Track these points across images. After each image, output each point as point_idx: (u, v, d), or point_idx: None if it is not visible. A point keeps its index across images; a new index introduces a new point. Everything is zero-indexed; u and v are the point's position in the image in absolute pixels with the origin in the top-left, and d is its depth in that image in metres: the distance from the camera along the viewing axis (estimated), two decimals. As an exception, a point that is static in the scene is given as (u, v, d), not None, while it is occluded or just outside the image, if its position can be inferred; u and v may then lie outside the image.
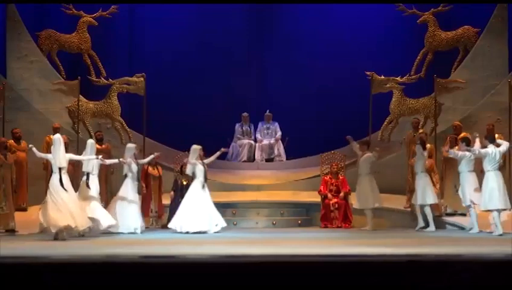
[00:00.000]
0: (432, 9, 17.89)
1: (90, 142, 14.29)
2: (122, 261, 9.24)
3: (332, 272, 7.66)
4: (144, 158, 15.33)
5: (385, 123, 17.77)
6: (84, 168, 13.92)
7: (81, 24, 18.02)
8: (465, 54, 17.82)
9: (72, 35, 18.11)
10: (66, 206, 13.19)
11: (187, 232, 14.17)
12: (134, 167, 14.67)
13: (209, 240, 13.67)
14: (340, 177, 16.29)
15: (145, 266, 8.17)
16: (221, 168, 17.67)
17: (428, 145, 16.02)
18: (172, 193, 15.86)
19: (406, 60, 18.16)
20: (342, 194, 16.01)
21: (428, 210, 15.02)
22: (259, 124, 18.97)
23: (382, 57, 18.57)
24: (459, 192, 14.71)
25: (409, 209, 15.93)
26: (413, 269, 7.70)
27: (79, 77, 17.26)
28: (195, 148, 14.84)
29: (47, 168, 16.26)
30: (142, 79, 17.41)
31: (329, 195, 16.01)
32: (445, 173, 16.02)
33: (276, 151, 18.19)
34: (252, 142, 18.83)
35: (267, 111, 18.91)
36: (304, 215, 16.27)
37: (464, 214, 15.68)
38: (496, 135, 14.88)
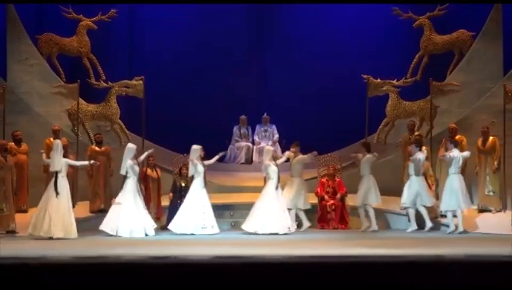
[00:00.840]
0: (428, 13, 17.93)
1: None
2: (121, 261, 9.28)
3: (329, 273, 7.70)
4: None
5: (381, 125, 17.81)
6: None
7: (81, 28, 18.05)
8: (461, 57, 17.85)
9: (71, 39, 18.13)
10: (48, 213, 13.84)
11: (191, 234, 14.38)
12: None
13: (207, 241, 13.72)
14: (337, 179, 16.34)
15: (144, 266, 8.20)
16: (219, 170, 17.70)
17: (423, 148, 16.09)
18: (171, 194, 15.91)
19: (402, 63, 18.19)
20: (338, 195, 16.05)
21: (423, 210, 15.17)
22: (257, 127, 19.00)
23: (379, 60, 18.61)
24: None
25: (404, 211, 15.97)
26: (410, 270, 7.74)
27: (79, 80, 17.29)
28: (196, 148, 14.93)
29: (47, 170, 16.32)
30: (141, 82, 17.44)
31: (326, 197, 16.06)
32: (441, 175, 16.05)
33: (279, 154, 18.21)
34: (250, 144, 18.87)
35: (265, 114, 18.94)
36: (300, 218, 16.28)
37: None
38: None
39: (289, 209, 15.07)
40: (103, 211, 15.71)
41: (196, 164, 14.79)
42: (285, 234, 14.43)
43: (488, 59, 17.46)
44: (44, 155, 14.16)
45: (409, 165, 15.48)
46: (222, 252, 11.68)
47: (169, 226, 14.72)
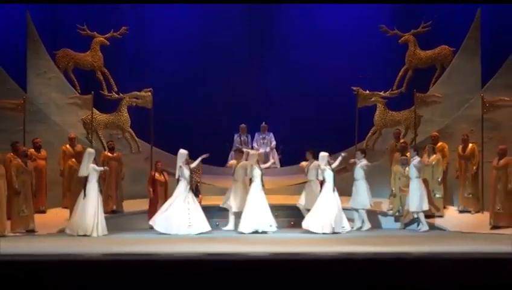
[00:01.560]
0: (412, 30, 17.94)
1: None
2: (127, 259, 9.31)
3: (321, 269, 7.71)
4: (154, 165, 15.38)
5: (370, 133, 17.83)
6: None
7: (95, 44, 18.06)
8: (442, 71, 17.87)
9: (86, 54, 18.13)
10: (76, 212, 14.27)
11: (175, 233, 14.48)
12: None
13: (208, 239, 13.72)
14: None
15: (149, 263, 8.21)
16: (221, 174, 17.68)
17: (408, 154, 16.13)
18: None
19: (388, 76, 18.23)
20: (330, 197, 16.03)
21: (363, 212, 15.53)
22: (256, 135, 19.00)
23: (367, 73, 18.63)
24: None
25: (391, 211, 16.01)
26: (398, 266, 7.75)
27: (92, 92, 17.31)
28: (183, 153, 15.05)
29: (63, 174, 16.36)
30: (149, 93, 17.47)
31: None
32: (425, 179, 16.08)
33: (271, 159, 18.22)
34: (249, 151, 18.85)
35: (263, 123, 18.95)
36: (296, 217, 16.29)
37: (441, 216, 15.77)
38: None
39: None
40: (115, 212, 15.75)
41: (183, 169, 14.86)
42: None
43: (467, 73, 17.49)
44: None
45: (407, 169, 15.56)
46: (222, 249, 11.69)
47: (155, 226, 14.71)
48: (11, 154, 14.88)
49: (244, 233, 14.58)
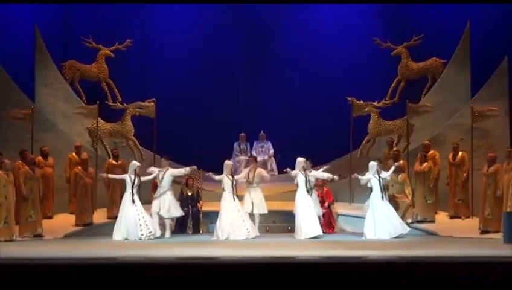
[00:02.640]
0: (405, 43, 17.98)
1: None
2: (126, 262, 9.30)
3: (317, 271, 7.71)
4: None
5: (364, 142, 17.85)
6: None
7: (100, 56, 18.08)
8: (433, 81, 17.90)
9: (91, 66, 18.16)
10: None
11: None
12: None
13: (208, 243, 13.72)
14: (325, 189, 16.29)
15: (150, 266, 8.21)
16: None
17: (401, 161, 16.14)
18: (178, 202, 15.91)
19: (382, 87, 18.25)
20: (326, 203, 16.01)
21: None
22: (255, 143, 19.02)
23: (362, 84, 18.66)
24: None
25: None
26: (390, 270, 7.75)
27: (98, 102, 17.34)
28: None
29: (69, 181, 16.35)
30: (152, 104, 17.51)
31: (332, 205, 16.09)
32: (417, 186, 16.08)
33: (269, 167, 18.23)
34: (248, 158, 18.85)
35: (262, 131, 18.97)
36: (293, 223, 16.23)
37: (432, 221, 15.76)
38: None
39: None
40: (119, 217, 15.71)
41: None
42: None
43: (458, 83, 17.51)
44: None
45: (400, 177, 15.59)
46: (222, 253, 11.68)
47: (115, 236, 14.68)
48: (20, 162, 14.88)
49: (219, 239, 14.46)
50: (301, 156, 15.20)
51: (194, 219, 15.88)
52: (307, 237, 14.47)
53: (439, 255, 10.96)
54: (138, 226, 14.49)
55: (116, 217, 15.74)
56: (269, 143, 18.95)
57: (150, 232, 14.50)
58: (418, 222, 15.68)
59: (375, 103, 17.69)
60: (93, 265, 8.60)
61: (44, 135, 16.78)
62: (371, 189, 14.83)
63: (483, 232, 14.62)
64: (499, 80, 16.80)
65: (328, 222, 15.96)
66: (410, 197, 15.70)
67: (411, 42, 17.91)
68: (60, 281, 7.45)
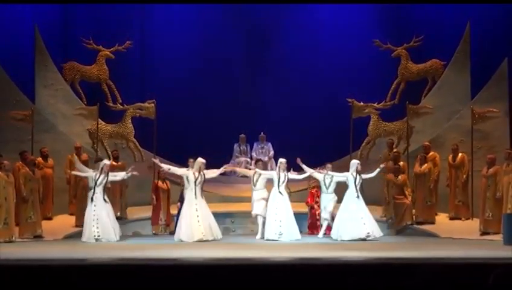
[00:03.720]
0: (405, 44, 17.96)
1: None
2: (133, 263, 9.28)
3: (316, 272, 7.71)
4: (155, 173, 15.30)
5: (364, 143, 17.84)
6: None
7: (100, 57, 18.07)
8: (433, 83, 17.88)
9: (92, 67, 18.15)
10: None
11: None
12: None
13: (209, 245, 13.70)
14: (326, 190, 16.27)
15: (155, 268, 8.20)
16: (221, 182, 17.67)
17: (401, 163, 16.15)
18: (178, 204, 15.91)
19: (382, 89, 18.24)
20: (326, 205, 16.01)
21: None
22: (255, 144, 19.01)
23: (362, 85, 18.65)
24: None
25: (384, 218, 15.99)
26: (390, 271, 7.74)
27: (98, 103, 17.33)
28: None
29: (69, 182, 16.36)
30: (152, 105, 17.51)
31: (315, 206, 16.01)
32: (417, 187, 16.09)
33: (269, 168, 18.23)
34: (248, 159, 18.85)
35: (262, 133, 18.97)
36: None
37: (432, 222, 15.76)
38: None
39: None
40: (119, 219, 15.69)
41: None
42: None
43: (457, 85, 17.50)
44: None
45: (399, 178, 15.62)
46: (222, 254, 11.68)
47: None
48: (20, 163, 14.87)
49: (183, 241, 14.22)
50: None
51: (194, 220, 15.84)
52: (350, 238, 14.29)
53: (439, 257, 10.96)
54: (91, 227, 14.22)
55: (116, 218, 15.76)
56: (269, 144, 18.94)
57: (99, 236, 14.19)
58: (418, 223, 15.67)
59: (375, 105, 17.69)
60: (93, 266, 8.60)
61: (44, 136, 16.78)
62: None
63: (484, 233, 14.62)
64: (498, 81, 16.80)
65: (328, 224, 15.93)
66: (410, 198, 15.70)
67: (411, 44, 17.90)
68: (59, 282, 7.45)
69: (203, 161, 14.74)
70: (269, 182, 14.94)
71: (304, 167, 14.95)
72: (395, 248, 12.88)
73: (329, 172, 15.00)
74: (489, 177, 14.76)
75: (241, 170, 16.52)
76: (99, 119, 17.33)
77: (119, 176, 14.96)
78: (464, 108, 17.00)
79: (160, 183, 15.82)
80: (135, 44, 18.39)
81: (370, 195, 16.30)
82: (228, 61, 19.51)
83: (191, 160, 15.02)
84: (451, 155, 16.20)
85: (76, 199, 15.57)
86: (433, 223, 15.76)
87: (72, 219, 15.64)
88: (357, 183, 14.60)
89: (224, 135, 18.80)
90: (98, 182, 14.45)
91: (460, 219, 15.95)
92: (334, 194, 15.11)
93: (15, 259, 10.26)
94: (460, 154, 16.15)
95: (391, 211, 15.79)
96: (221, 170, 15.12)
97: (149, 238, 14.95)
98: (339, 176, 14.96)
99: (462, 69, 17.52)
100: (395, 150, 16.80)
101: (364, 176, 14.79)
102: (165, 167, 15.24)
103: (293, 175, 14.98)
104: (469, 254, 11.47)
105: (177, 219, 15.57)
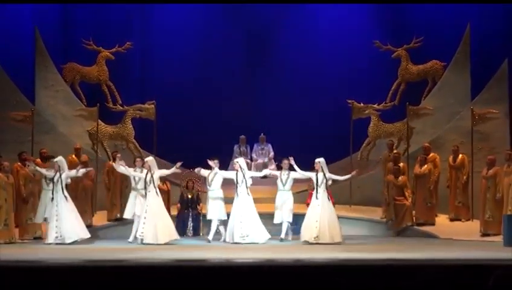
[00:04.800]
0: (405, 45, 17.97)
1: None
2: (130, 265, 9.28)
3: (317, 273, 7.71)
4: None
5: (364, 144, 17.84)
6: None
7: (100, 58, 18.07)
8: (434, 84, 17.88)
9: (92, 68, 18.14)
10: None
11: None
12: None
13: (208, 247, 13.70)
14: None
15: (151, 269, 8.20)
16: (223, 183, 17.65)
17: (401, 164, 16.15)
18: (178, 205, 15.97)
19: (382, 90, 18.25)
20: (326, 206, 15.98)
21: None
22: (255, 146, 19.02)
23: (362, 86, 18.67)
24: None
25: (384, 219, 15.99)
26: (390, 273, 7.74)
27: (98, 104, 17.33)
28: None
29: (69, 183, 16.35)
30: (152, 106, 17.52)
31: (315, 207, 16.03)
32: (417, 188, 16.09)
33: (269, 169, 18.20)
34: (248, 161, 18.85)
35: (262, 134, 18.97)
36: (292, 225, 16.24)
37: (432, 224, 15.76)
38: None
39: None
40: (119, 220, 15.71)
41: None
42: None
43: (458, 86, 17.50)
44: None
45: (400, 179, 15.58)
46: (221, 255, 11.68)
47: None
48: (19, 164, 14.87)
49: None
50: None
51: (194, 221, 15.87)
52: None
53: (439, 258, 10.96)
54: (54, 228, 13.81)
55: (116, 220, 15.79)
56: (269, 145, 18.95)
57: (56, 237, 13.74)
58: (418, 224, 15.67)
59: (376, 106, 17.69)
60: (93, 267, 8.60)
61: (44, 137, 16.77)
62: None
63: (484, 235, 14.62)
64: (499, 82, 16.81)
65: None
66: (410, 199, 15.70)
67: (411, 45, 17.90)
68: (59, 284, 7.44)
69: (59, 158, 14.28)
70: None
71: (296, 167, 14.62)
72: (395, 249, 12.88)
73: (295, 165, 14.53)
74: (489, 179, 14.76)
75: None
76: (99, 120, 17.33)
77: (80, 172, 14.39)
78: (464, 109, 17.00)
79: (160, 184, 15.79)
80: (135, 45, 18.39)
81: (370, 196, 16.32)
82: (228, 62, 19.51)
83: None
84: (451, 156, 16.20)
85: (76, 200, 15.53)
86: (433, 224, 15.77)
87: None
88: (317, 182, 14.19)
89: (224, 136, 18.80)
90: (54, 180, 13.95)
91: (460, 220, 15.96)
92: (291, 192, 14.74)
93: (15, 260, 10.26)
94: (460, 155, 16.15)
95: (391, 212, 15.79)
96: (173, 169, 14.60)
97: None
98: (299, 174, 14.60)
99: (462, 70, 17.52)
100: (395, 151, 16.80)
101: (334, 177, 14.45)
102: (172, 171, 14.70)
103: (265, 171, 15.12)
104: (469, 255, 11.47)
105: (177, 220, 15.60)
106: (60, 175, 14.00)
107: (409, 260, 10.72)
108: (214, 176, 14.68)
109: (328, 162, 16.51)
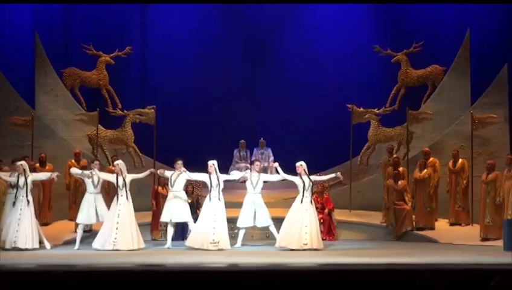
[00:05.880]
0: (405, 50, 17.98)
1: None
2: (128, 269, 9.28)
3: (317, 278, 7.70)
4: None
5: (364, 149, 17.83)
6: None
7: (100, 63, 18.09)
8: (433, 89, 17.89)
9: (92, 72, 18.16)
10: None
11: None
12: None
13: (208, 251, 13.67)
14: (325, 196, 16.29)
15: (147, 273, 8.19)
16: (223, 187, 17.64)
17: (401, 168, 16.15)
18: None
19: (381, 94, 18.26)
20: (326, 210, 15.99)
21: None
22: (255, 150, 19.01)
23: (362, 91, 18.68)
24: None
25: (384, 224, 15.98)
26: (390, 277, 7.74)
27: (98, 109, 17.35)
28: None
29: (69, 188, 16.35)
30: (152, 110, 17.52)
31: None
32: (416, 193, 16.08)
33: (269, 173, 18.20)
34: (248, 165, 18.84)
35: (261, 138, 18.97)
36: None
37: (432, 228, 15.75)
38: None
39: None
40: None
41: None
42: None
43: (458, 91, 17.52)
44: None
45: (400, 183, 15.56)
46: (221, 260, 11.66)
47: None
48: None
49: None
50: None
51: (193, 226, 15.82)
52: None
53: (439, 263, 10.95)
54: (15, 232, 13.35)
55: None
56: (269, 150, 18.94)
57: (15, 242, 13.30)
58: (418, 229, 15.66)
59: (375, 110, 17.68)
60: (93, 272, 8.59)
61: (44, 142, 16.79)
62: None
63: (484, 239, 14.60)
64: (498, 87, 16.83)
65: (328, 229, 15.94)
66: (410, 204, 15.69)
67: (411, 49, 17.91)
68: (59, 288, 7.43)
69: (22, 162, 13.77)
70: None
71: (280, 170, 14.27)
72: (395, 253, 12.86)
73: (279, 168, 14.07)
74: (489, 183, 14.75)
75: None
76: (99, 125, 17.34)
77: (43, 175, 14.20)
78: (464, 114, 17.00)
79: (160, 188, 15.81)
80: (135, 50, 18.42)
81: (370, 201, 16.30)
82: (228, 67, 19.54)
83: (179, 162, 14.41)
84: (451, 161, 16.20)
85: (76, 204, 15.54)
86: (433, 228, 15.75)
87: (72, 225, 15.59)
88: (305, 186, 13.61)
89: (224, 141, 18.81)
90: (19, 185, 13.50)
91: (460, 224, 15.94)
92: (260, 195, 14.30)
93: (15, 265, 10.26)
94: (460, 160, 16.14)
95: (391, 217, 15.78)
96: (147, 173, 14.33)
97: (148, 243, 14.90)
98: (273, 178, 14.33)
99: (462, 75, 17.53)
100: (395, 155, 16.80)
101: (318, 179, 14.20)
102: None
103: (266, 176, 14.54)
104: (469, 260, 11.45)
105: (177, 224, 15.57)
106: (18, 179, 13.57)
107: (409, 264, 10.71)
108: (177, 176, 14.26)
109: (328, 167, 16.57)
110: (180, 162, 14.37)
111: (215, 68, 19.49)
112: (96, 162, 14.64)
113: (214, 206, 13.76)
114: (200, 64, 19.54)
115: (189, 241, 13.79)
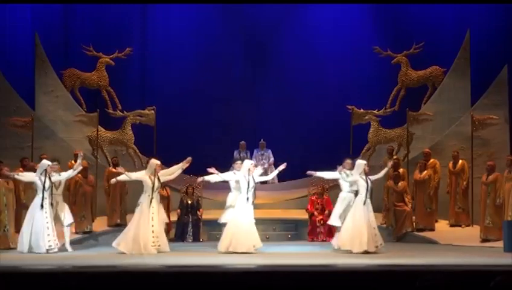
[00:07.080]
0: (405, 51, 18.00)
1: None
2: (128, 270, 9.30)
3: (317, 280, 7.72)
4: None
5: (364, 150, 17.85)
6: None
7: (100, 64, 18.11)
8: (433, 90, 17.92)
9: (92, 74, 18.18)
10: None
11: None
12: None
13: (210, 252, 13.69)
14: (325, 197, 16.30)
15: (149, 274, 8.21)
16: (222, 188, 17.65)
17: (401, 169, 16.16)
18: (178, 211, 15.96)
19: (382, 95, 18.28)
20: (326, 212, 16.01)
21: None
22: (255, 151, 19.04)
23: (362, 92, 18.71)
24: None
25: (384, 225, 15.99)
26: (390, 278, 7.75)
27: (98, 110, 17.37)
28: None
29: (69, 189, 16.34)
30: (152, 111, 17.55)
31: (315, 213, 16.05)
32: (417, 194, 16.10)
33: (269, 174, 18.21)
34: (249, 166, 18.84)
35: (262, 140, 18.99)
36: (293, 231, 16.31)
37: (432, 229, 15.76)
38: None
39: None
40: (119, 225, 15.68)
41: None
42: None
43: (458, 92, 17.54)
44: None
45: (400, 184, 15.55)
46: (222, 261, 11.68)
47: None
48: (20, 170, 14.86)
49: None
50: (361, 159, 14.03)
51: (194, 227, 15.88)
52: (357, 251, 12.86)
53: (439, 264, 10.96)
54: (46, 236, 13.01)
55: (116, 225, 15.76)
56: (269, 151, 18.97)
57: (57, 244, 13.15)
58: (418, 230, 15.67)
59: (375, 111, 17.71)
60: (92, 273, 8.61)
61: (44, 143, 16.81)
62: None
63: (484, 240, 14.61)
64: (498, 88, 16.84)
65: (328, 231, 15.95)
66: (410, 205, 15.71)
67: (411, 50, 17.93)
68: (59, 288, 7.45)
69: (48, 163, 13.40)
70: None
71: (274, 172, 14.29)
72: (395, 255, 12.86)
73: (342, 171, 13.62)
74: (489, 184, 14.76)
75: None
76: (99, 126, 17.36)
77: (66, 174, 13.80)
78: (464, 115, 17.03)
79: (160, 190, 15.80)
80: (135, 51, 18.45)
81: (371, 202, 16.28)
82: (228, 67, 19.59)
83: (239, 162, 14.14)
84: (451, 162, 16.22)
85: (76, 205, 15.55)
86: (433, 230, 15.77)
87: (72, 226, 15.59)
88: (368, 187, 13.25)
89: (224, 142, 18.82)
90: (46, 186, 13.16)
91: (460, 225, 15.96)
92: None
93: (15, 266, 10.28)
94: (460, 161, 16.17)
95: (391, 218, 15.80)
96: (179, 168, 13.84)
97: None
98: (347, 178, 13.84)
99: (462, 76, 17.56)
100: (395, 156, 16.81)
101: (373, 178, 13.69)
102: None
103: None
104: (469, 261, 11.47)
105: (177, 226, 15.62)
106: (45, 180, 13.24)
107: (409, 265, 10.73)
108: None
109: (328, 168, 16.54)
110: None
111: (215, 68, 19.53)
112: (55, 163, 13.83)
113: (250, 207, 13.26)
114: (200, 64, 19.58)
115: (232, 246, 13.00)
